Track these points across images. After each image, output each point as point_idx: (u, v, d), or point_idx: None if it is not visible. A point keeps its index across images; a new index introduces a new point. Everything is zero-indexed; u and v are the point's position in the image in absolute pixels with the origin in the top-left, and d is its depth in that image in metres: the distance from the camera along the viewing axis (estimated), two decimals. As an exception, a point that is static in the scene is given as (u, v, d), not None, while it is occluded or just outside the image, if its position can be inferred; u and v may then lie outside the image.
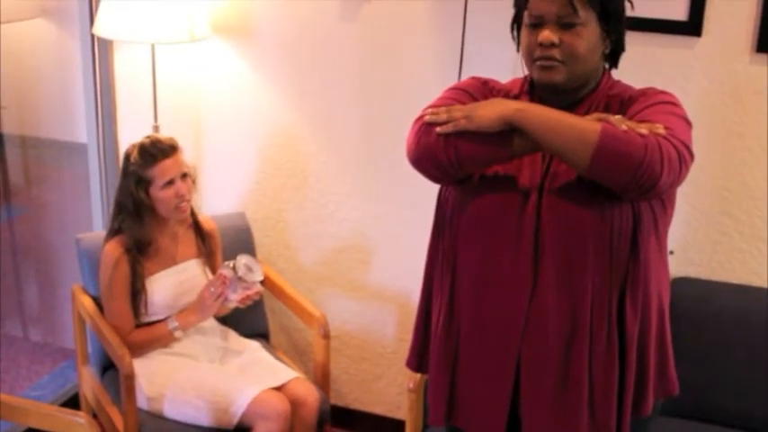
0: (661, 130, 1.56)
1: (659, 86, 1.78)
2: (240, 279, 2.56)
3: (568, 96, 1.74)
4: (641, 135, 1.54)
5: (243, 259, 2.57)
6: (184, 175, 2.62)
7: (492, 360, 1.74)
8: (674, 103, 1.70)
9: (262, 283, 2.63)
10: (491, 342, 1.74)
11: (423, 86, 2.76)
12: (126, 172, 2.61)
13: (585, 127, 1.56)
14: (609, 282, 1.67)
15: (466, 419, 1.81)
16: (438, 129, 1.66)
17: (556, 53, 1.67)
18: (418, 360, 1.94)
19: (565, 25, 1.66)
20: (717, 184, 2.59)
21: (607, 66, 1.79)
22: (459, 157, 1.66)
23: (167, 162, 2.57)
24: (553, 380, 1.71)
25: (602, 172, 1.56)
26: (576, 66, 1.68)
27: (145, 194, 2.58)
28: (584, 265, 1.66)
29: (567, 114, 1.61)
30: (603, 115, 1.60)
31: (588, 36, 1.67)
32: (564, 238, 1.66)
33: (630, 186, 1.56)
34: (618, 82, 1.79)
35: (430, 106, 1.75)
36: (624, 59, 1.80)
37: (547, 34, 1.66)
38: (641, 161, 1.52)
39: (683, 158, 1.58)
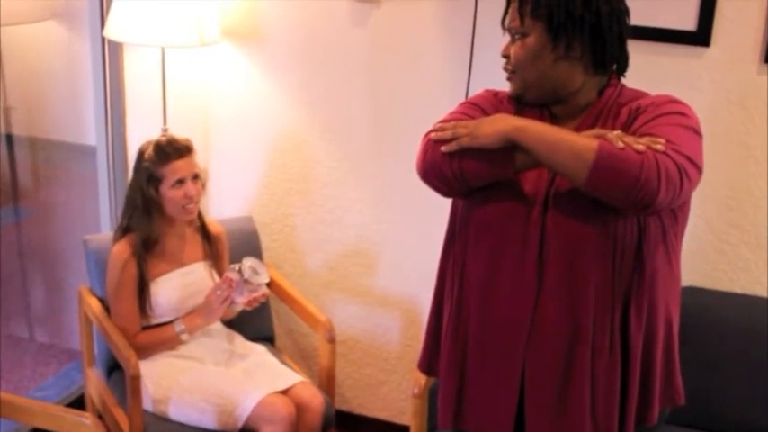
0: (660, 146, 1.56)
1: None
2: (246, 282, 2.56)
3: (565, 108, 1.75)
4: (638, 152, 1.54)
5: (248, 262, 2.58)
6: (195, 177, 2.63)
7: (498, 365, 1.75)
8: (683, 113, 1.68)
9: (268, 285, 2.64)
10: (497, 347, 1.75)
11: (431, 92, 2.79)
12: (138, 168, 2.62)
13: (582, 145, 1.57)
14: (612, 291, 1.67)
15: (473, 423, 1.82)
16: (443, 148, 1.69)
17: (509, 65, 1.76)
18: (429, 363, 1.96)
19: (515, 36, 1.74)
20: (722, 193, 2.60)
21: (616, 75, 1.78)
22: (464, 173, 1.68)
23: (180, 162, 2.59)
24: (556, 385, 1.71)
25: (600, 189, 1.57)
26: (525, 74, 1.74)
27: (155, 192, 2.60)
28: (585, 275, 1.66)
29: (565, 132, 1.63)
30: (602, 131, 1.61)
31: (529, 44, 1.71)
32: (567, 249, 1.67)
33: (628, 203, 1.56)
34: (629, 90, 1.78)
35: (441, 121, 1.77)
36: (632, 69, 1.80)
37: (503, 48, 1.76)
38: (637, 178, 1.52)
39: (685, 173, 1.57)
